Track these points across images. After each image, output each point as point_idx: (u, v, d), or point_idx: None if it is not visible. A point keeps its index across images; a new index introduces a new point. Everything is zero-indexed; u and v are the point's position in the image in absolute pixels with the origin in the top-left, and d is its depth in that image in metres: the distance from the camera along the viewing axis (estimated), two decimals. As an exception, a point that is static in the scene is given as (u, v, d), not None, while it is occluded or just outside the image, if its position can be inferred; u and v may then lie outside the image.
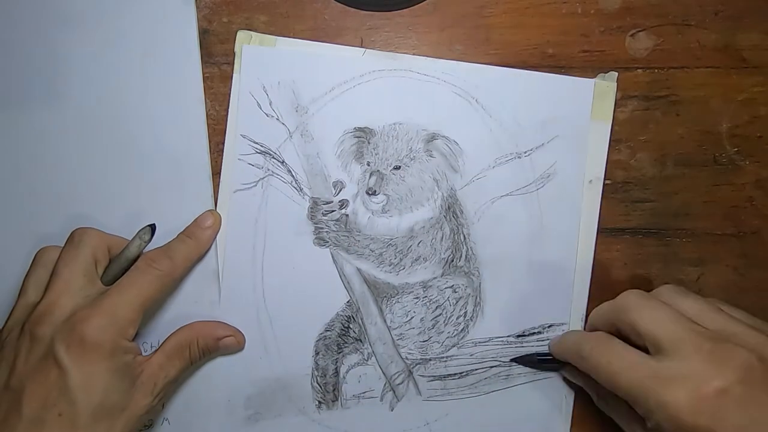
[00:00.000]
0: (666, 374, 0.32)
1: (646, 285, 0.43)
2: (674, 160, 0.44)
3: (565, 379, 0.43)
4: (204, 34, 0.44)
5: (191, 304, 0.43)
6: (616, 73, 0.43)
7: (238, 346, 0.43)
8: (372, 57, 0.43)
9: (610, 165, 0.43)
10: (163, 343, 0.40)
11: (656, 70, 0.43)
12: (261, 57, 0.43)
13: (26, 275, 0.39)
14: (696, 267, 0.44)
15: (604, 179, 0.43)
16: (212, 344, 0.42)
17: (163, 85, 0.43)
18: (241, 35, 0.43)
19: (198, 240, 0.42)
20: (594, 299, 0.43)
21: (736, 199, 0.44)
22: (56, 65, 0.43)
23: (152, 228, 0.40)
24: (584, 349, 0.37)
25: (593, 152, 0.43)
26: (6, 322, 0.38)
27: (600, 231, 0.43)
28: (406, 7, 0.43)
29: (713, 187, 0.44)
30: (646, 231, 0.44)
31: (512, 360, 0.43)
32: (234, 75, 0.43)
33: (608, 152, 0.43)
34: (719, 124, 0.43)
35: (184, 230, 0.42)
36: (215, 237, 0.43)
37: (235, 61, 0.43)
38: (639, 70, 0.43)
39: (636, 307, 0.35)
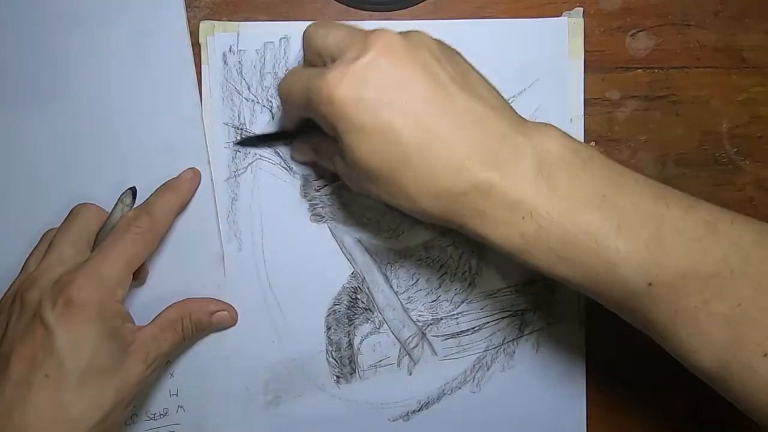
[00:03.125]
0: (329, 68, 0.32)
1: None
2: (674, 160, 0.44)
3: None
4: None
5: (199, 288, 0.43)
6: (582, 8, 0.43)
7: (231, 320, 0.43)
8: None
9: None
10: (155, 317, 0.40)
11: (656, 70, 0.43)
12: (228, 44, 0.43)
13: (30, 253, 0.40)
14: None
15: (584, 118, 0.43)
16: (205, 319, 0.41)
17: (155, 73, 0.42)
18: (204, 26, 0.43)
19: (178, 191, 0.41)
20: None
21: (736, 199, 0.44)
22: (46, 63, 0.42)
23: (132, 191, 0.40)
24: (280, 83, 0.37)
25: (571, 91, 0.43)
26: (6, 292, 0.39)
27: None
28: (406, 7, 0.43)
29: (713, 187, 0.44)
30: None
31: (236, 144, 0.43)
32: (203, 67, 0.43)
33: (584, 89, 0.43)
34: (719, 124, 0.43)
35: (163, 184, 0.42)
36: (195, 189, 0.42)
37: (202, 52, 0.43)
38: (639, 70, 0.43)
39: (314, 33, 0.35)
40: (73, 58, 0.43)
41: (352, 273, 0.43)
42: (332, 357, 0.43)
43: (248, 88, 0.43)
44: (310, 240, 0.43)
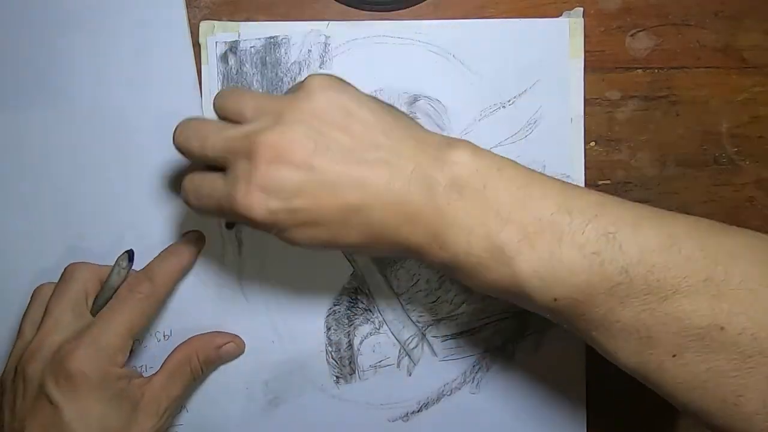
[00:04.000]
0: (232, 186, 0.32)
1: None
2: (674, 160, 0.43)
3: None
4: None
5: (197, 288, 0.43)
6: (582, 8, 0.43)
7: (238, 350, 0.43)
8: (337, 27, 0.43)
9: (611, 165, 0.43)
10: (163, 363, 0.40)
11: (656, 70, 0.43)
12: (228, 44, 0.42)
13: (24, 315, 0.39)
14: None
15: (592, 142, 0.43)
16: (213, 354, 0.42)
17: (156, 73, 0.42)
18: (204, 26, 0.43)
19: (180, 255, 0.41)
20: None
21: (737, 199, 0.43)
22: (47, 64, 0.42)
23: (129, 254, 0.40)
24: (176, 139, 0.36)
25: (572, 91, 0.43)
26: (6, 364, 0.38)
27: None
28: (406, 7, 0.43)
29: (713, 187, 0.43)
30: None
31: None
32: (203, 67, 0.43)
33: (584, 89, 0.43)
34: (719, 124, 0.43)
35: (166, 248, 0.42)
36: (198, 253, 0.42)
37: (202, 52, 0.43)
38: (639, 70, 0.43)
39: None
40: (73, 59, 0.43)
41: (353, 273, 0.43)
42: (332, 357, 0.43)
43: (249, 88, 0.43)
44: (310, 240, 0.43)
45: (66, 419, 0.34)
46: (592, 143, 0.43)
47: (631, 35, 0.43)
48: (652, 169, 0.44)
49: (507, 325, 0.43)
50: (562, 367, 0.43)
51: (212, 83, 0.43)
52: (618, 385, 0.44)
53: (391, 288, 0.43)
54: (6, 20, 0.42)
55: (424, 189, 0.31)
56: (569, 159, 0.43)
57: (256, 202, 0.31)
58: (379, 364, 0.44)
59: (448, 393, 0.44)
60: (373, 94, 0.42)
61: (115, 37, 0.43)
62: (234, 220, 0.34)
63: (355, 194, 0.31)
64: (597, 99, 0.43)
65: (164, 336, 0.43)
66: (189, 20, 0.43)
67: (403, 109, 0.43)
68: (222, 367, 0.43)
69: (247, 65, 0.43)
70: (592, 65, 0.43)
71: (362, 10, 0.43)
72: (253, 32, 0.43)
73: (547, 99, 0.43)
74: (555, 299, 0.31)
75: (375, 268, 0.43)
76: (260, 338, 0.43)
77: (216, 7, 0.43)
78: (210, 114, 0.42)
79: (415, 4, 0.43)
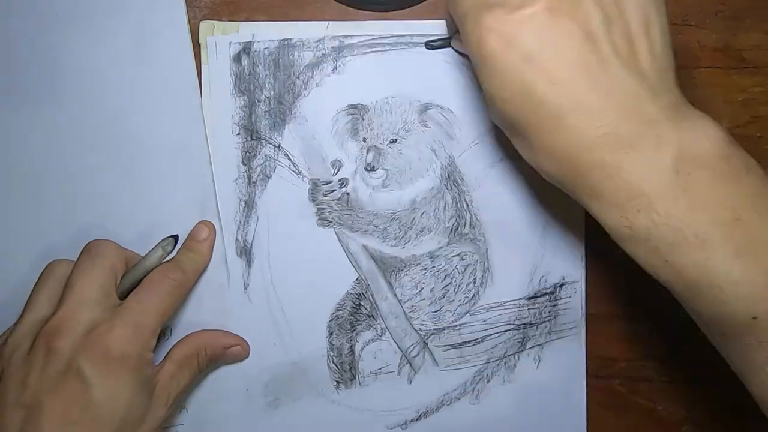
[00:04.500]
0: (493, 2, 0.31)
1: (651, 284, 0.43)
2: None
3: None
4: None
5: (201, 286, 0.43)
6: None
7: (243, 354, 0.43)
8: (337, 27, 0.42)
9: None
10: (170, 351, 0.40)
11: None
12: (228, 44, 0.42)
13: (35, 288, 0.38)
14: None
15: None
16: (219, 353, 0.42)
17: (157, 75, 0.42)
18: (204, 26, 0.43)
19: (199, 253, 0.42)
20: (602, 297, 0.43)
21: None
22: (47, 63, 0.42)
23: (175, 239, 0.40)
24: None
25: None
26: (9, 336, 0.36)
27: (600, 231, 0.43)
28: (406, 7, 0.43)
29: None
30: None
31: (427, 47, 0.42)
32: (203, 66, 0.42)
33: None
34: (719, 124, 0.43)
35: (183, 244, 0.42)
36: (213, 247, 0.42)
37: (202, 52, 0.42)
38: None
39: None
40: (73, 59, 0.42)
41: (357, 279, 0.43)
42: (333, 362, 0.43)
43: (250, 88, 0.43)
44: (316, 244, 0.43)
45: (96, 398, 0.33)
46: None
47: (632, 35, 0.43)
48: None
49: (509, 338, 0.43)
50: (562, 381, 0.43)
51: (213, 83, 0.42)
52: (619, 399, 0.44)
53: (395, 295, 0.43)
54: (7, 20, 0.42)
55: (656, 151, 0.29)
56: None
57: (503, 33, 0.30)
58: (379, 370, 0.44)
59: (448, 403, 0.43)
60: (385, 101, 0.43)
61: (116, 36, 0.42)
62: (461, 31, 0.32)
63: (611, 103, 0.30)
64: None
65: (164, 336, 0.43)
66: (189, 20, 0.42)
67: (414, 117, 0.43)
68: (223, 368, 0.43)
69: (260, 66, 0.43)
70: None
71: (362, 10, 0.43)
72: (253, 32, 0.43)
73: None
74: (754, 317, 0.28)
75: (380, 275, 0.43)
76: (262, 340, 0.43)
77: (216, 7, 0.43)
78: (209, 117, 0.42)
79: (415, 4, 0.43)
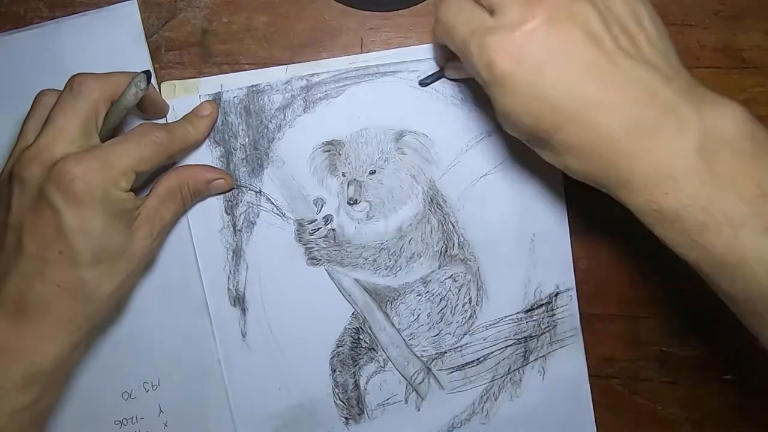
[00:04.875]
0: (491, 25, 0.32)
1: (649, 284, 0.44)
2: None
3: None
4: (204, 34, 0.44)
5: (204, 338, 0.43)
6: None
7: (228, 186, 0.43)
8: (298, 69, 0.43)
9: None
10: (153, 186, 0.40)
11: None
12: (212, 97, 0.43)
13: (26, 118, 0.38)
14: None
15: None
16: (203, 187, 0.42)
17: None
18: (165, 87, 0.43)
19: (195, 127, 0.41)
20: (598, 297, 0.43)
21: None
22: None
23: (147, 75, 0.38)
24: (438, 11, 0.36)
25: None
26: (5, 164, 0.38)
27: (600, 231, 0.43)
28: (406, 7, 0.43)
29: None
30: (648, 230, 0.43)
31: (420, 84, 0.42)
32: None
33: None
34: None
35: (184, 117, 0.42)
36: (212, 127, 0.42)
37: (170, 115, 0.42)
38: None
39: None
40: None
41: (353, 313, 0.43)
42: (339, 399, 0.43)
43: (225, 138, 0.43)
44: (308, 284, 0.43)
45: (66, 225, 0.34)
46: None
47: (632, 35, 0.43)
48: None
49: (511, 353, 0.43)
50: (569, 388, 0.43)
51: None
52: (619, 399, 0.44)
53: (392, 325, 0.43)
54: None
55: (679, 134, 0.30)
56: (560, 179, 0.43)
57: (509, 52, 0.31)
58: (387, 402, 0.43)
59: (459, 425, 0.43)
60: (359, 133, 0.43)
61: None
62: (465, 59, 0.33)
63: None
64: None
65: (152, 386, 0.43)
66: (158, 81, 0.43)
67: (391, 146, 0.43)
68: (209, 406, 0.43)
69: (231, 115, 0.43)
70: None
71: (362, 10, 0.43)
72: (234, 83, 0.43)
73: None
74: None
75: (375, 306, 0.43)
76: (266, 386, 0.43)
77: (216, 7, 0.44)
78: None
79: (415, 4, 0.43)
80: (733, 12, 0.43)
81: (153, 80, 0.42)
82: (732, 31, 0.43)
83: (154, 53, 0.43)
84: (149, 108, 0.41)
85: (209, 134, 0.43)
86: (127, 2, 0.43)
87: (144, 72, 0.38)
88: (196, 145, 0.42)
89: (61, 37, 0.43)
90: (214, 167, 0.43)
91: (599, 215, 0.43)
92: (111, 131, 0.38)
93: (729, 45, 0.43)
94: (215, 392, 0.43)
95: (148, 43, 0.43)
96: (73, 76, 0.37)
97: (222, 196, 0.43)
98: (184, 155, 0.42)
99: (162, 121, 0.42)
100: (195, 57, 0.44)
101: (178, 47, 0.44)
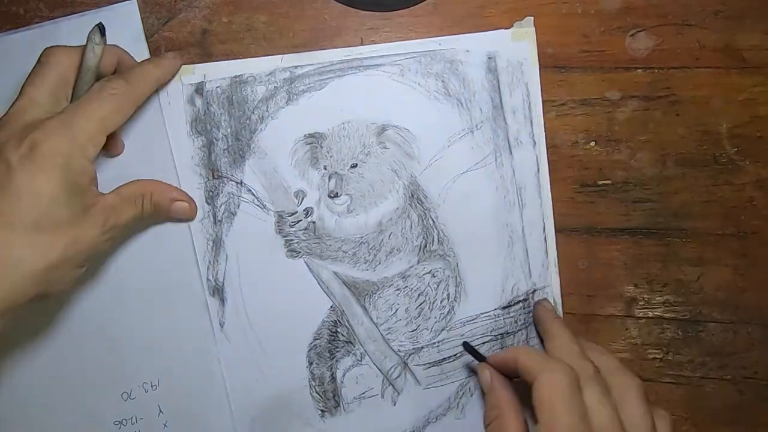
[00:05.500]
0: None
1: (647, 285, 0.44)
2: (674, 160, 0.43)
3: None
4: (204, 34, 0.44)
5: (183, 332, 0.43)
6: (532, 17, 0.43)
7: (190, 213, 0.43)
8: (292, 59, 0.43)
9: (611, 165, 0.43)
10: (119, 186, 0.40)
11: (656, 70, 0.43)
12: (195, 86, 0.43)
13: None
14: (696, 267, 0.43)
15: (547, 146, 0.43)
16: (165, 203, 0.42)
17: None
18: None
19: (159, 66, 0.41)
20: (596, 299, 0.44)
21: (736, 199, 0.43)
22: None
23: (100, 28, 0.38)
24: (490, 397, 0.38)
25: (532, 97, 0.43)
26: None
27: (600, 231, 0.44)
28: (406, 7, 0.43)
29: (713, 187, 0.43)
30: (647, 231, 0.44)
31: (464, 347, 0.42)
32: (165, 110, 0.43)
33: (582, 89, 0.43)
34: (719, 124, 0.43)
35: (146, 59, 0.42)
36: (178, 65, 0.42)
37: (160, 97, 0.43)
38: (639, 70, 0.43)
39: (537, 375, 0.36)
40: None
41: (331, 307, 0.43)
42: (316, 391, 0.44)
43: (207, 128, 0.43)
44: (287, 276, 0.43)
45: (15, 182, 0.34)
46: (592, 143, 0.43)
47: (631, 35, 0.43)
48: (651, 169, 0.43)
49: (488, 349, 0.43)
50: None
51: (178, 125, 0.43)
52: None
53: (370, 319, 0.44)
54: None
55: None
56: (538, 178, 0.43)
57: None
58: (363, 395, 0.44)
59: (434, 420, 0.44)
60: (341, 127, 0.43)
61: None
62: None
63: None
64: (597, 99, 0.43)
65: (152, 386, 0.43)
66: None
67: (372, 140, 0.43)
68: (209, 406, 0.43)
69: (214, 105, 0.43)
70: (592, 65, 0.43)
71: (362, 10, 0.43)
72: (217, 72, 0.43)
73: (513, 119, 0.43)
74: None
75: (353, 300, 0.43)
76: (244, 376, 0.43)
77: (216, 7, 0.44)
78: (177, 159, 0.42)
79: (415, 4, 0.43)
80: (733, 12, 0.43)
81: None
82: (732, 31, 0.43)
83: (154, 53, 0.44)
84: (133, 74, 0.40)
85: (175, 73, 0.42)
86: (127, 2, 0.43)
87: (96, 25, 0.38)
88: (160, 83, 0.42)
89: (61, 37, 0.43)
90: (179, 189, 0.43)
91: (599, 215, 0.43)
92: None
93: (729, 45, 0.43)
94: (215, 392, 0.43)
95: (148, 43, 0.43)
96: (45, 49, 0.38)
97: (203, 186, 0.43)
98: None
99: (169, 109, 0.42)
100: (195, 57, 0.44)
101: (178, 47, 0.44)
